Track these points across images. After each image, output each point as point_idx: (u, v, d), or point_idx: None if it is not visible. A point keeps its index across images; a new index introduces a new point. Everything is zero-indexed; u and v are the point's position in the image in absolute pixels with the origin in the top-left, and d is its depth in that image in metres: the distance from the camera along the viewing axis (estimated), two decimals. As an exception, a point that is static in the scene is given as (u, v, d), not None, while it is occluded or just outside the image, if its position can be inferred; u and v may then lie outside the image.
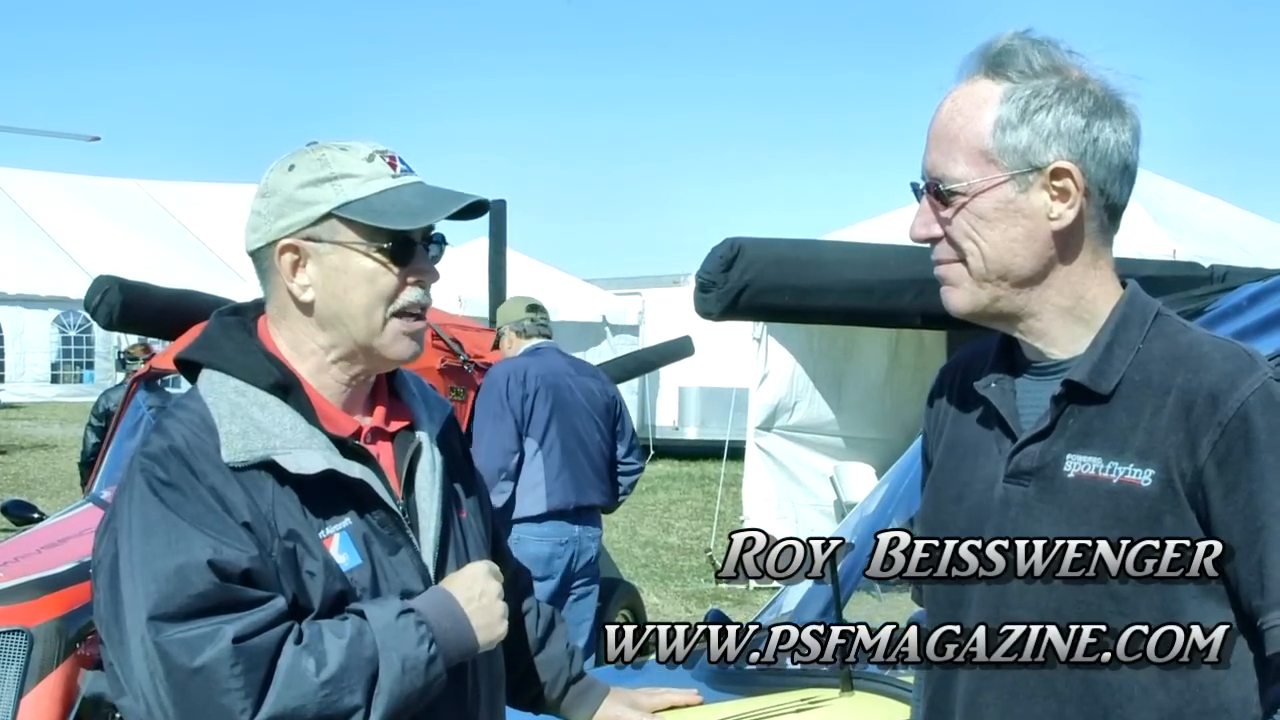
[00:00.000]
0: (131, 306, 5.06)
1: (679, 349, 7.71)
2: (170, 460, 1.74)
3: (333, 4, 65.68)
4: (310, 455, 1.79)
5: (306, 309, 1.86)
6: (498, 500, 5.45)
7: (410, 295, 1.85)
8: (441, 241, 1.91)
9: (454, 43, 69.00)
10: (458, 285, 15.23)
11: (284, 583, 1.73)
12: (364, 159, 1.84)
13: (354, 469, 1.82)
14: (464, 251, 18.55)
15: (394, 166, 1.86)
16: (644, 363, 8.32)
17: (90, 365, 26.48)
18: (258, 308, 1.94)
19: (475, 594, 1.86)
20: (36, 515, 5.80)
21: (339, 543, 1.79)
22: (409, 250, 1.84)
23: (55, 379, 25.93)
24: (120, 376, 9.37)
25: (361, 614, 1.76)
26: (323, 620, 1.75)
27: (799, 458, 10.30)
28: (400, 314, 1.85)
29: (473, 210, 1.87)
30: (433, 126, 70.22)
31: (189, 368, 1.91)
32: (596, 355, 14.63)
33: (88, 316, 5.45)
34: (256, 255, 1.88)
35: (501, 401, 5.63)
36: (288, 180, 1.84)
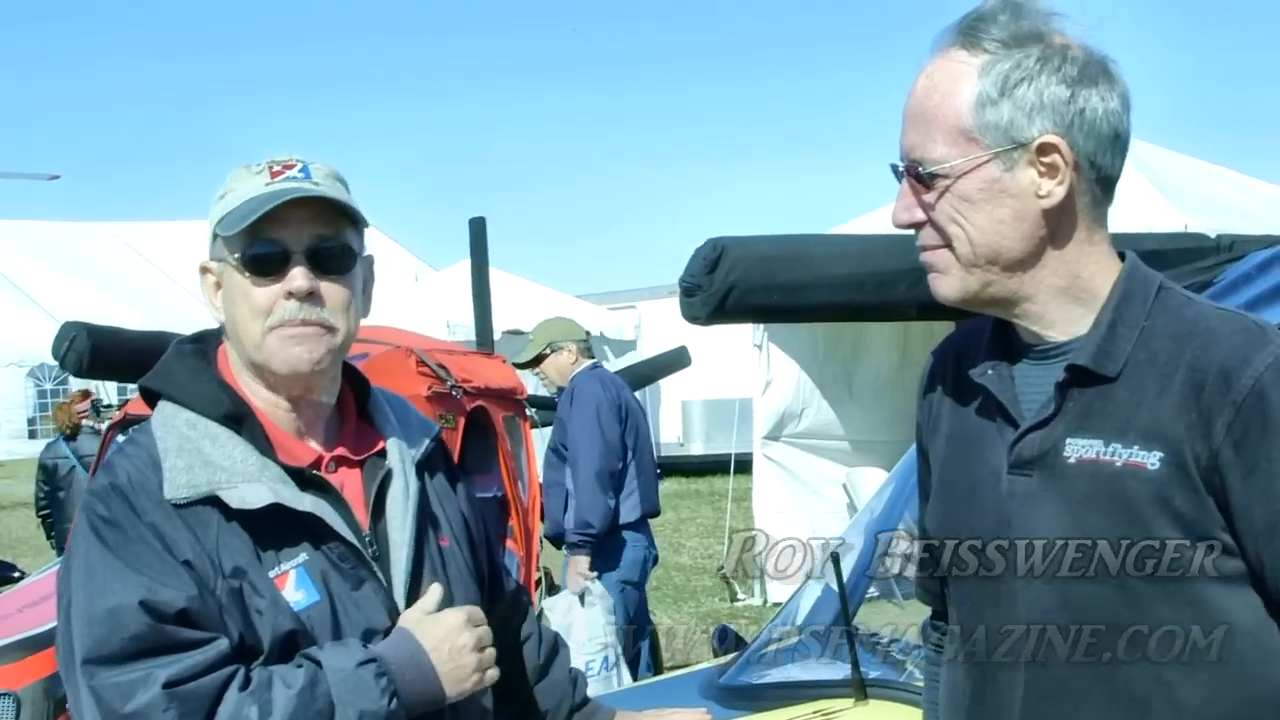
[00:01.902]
0: (101, 351, 5.00)
1: (675, 360, 7.63)
2: (112, 498, 1.73)
3: (306, 28, 65.95)
4: (256, 489, 1.74)
5: (225, 331, 1.87)
6: (607, 507, 5.82)
7: (284, 311, 1.79)
8: (341, 254, 1.82)
9: (432, 63, 69.28)
10: (446, 311, 15.15)
11: (229, 622, 1.70)
12: (255, 171, 1.82)
13: (304, 501, 1.76)
14: (449, 275, 18.51)
15: (276, 175, 1.80)
16: (640, 377, 8.22)
17: (69, 418, 26.21)
18: (220, 336, 1.92)
19: (445, 647, 1.79)
20: (17, 574, 5.76)
21: (295, 579, 1.75)
22: (276, 263, 1.79)
23: (33, 434, 25.66)
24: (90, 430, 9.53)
25: (318, 662, 1.70)
26: (276, 666, 1.70)
27: (810, 465, 10.19)
28: (280, 327, 1.80)
29: (343, 213, 1.81)
30: (413, 148, 70.47)
31: (151, 399, 1.88)
32: (594, 373, 14.51)
33: (60, 367, 5.40)
34: None
35: (612, 410, 6.00)
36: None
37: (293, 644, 1.72)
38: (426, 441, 1.96)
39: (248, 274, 1.79)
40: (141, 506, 1.71)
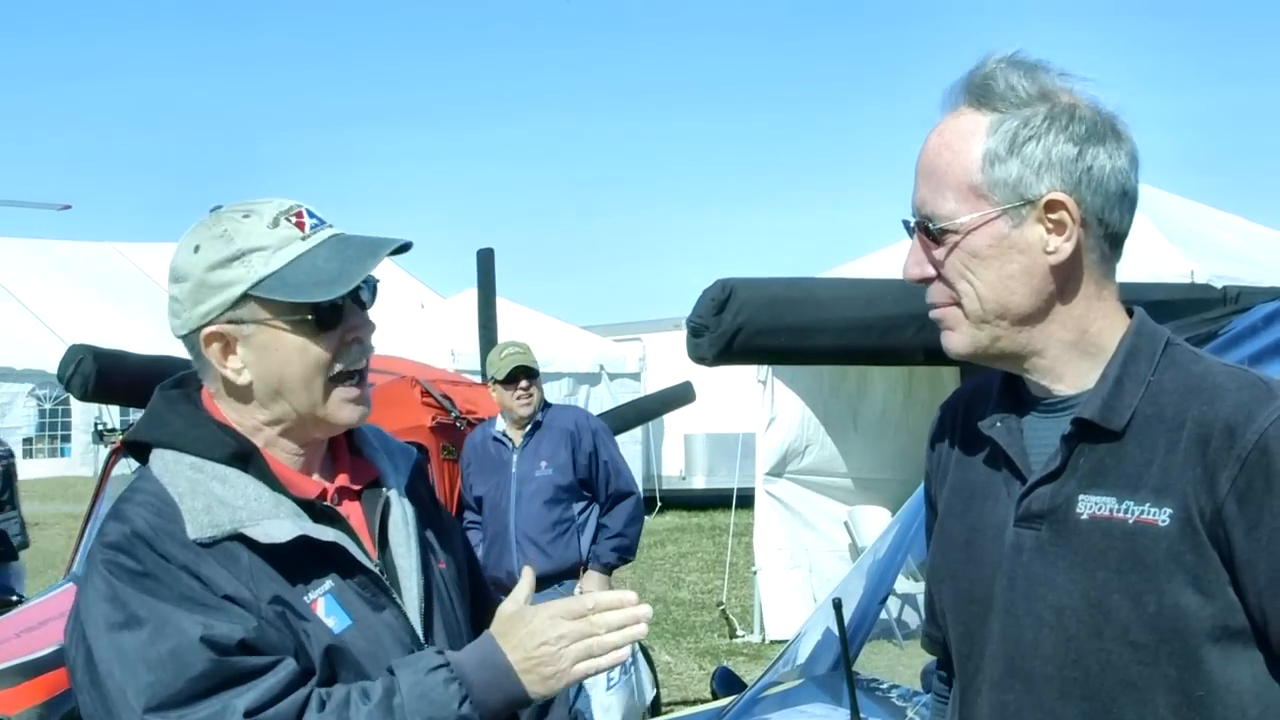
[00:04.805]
0: (107, 375, 5.01)
1: (680, 395, 7.60)
2: (136, 546, 1.69)
3: (314, 53, 65.95)
4: (280, 524, 1.74)
5: (245, 391, 1.81)
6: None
7: (348, 358, 1.81)
8: (372, 284, 1.85)
9: (436, 91, 69.32)
10: (450, 339, 15.18)
11: (284, 644, 1.68)
12: (268, 225, 1.78)
13: (326, 533, 1.77)
14: (455, 303, 18.52)
15: (301, 226, 1.80)
16: (644, 411, 8.21)
17: (68, 439, 26.05)
18: (198, 380, 1.89)
19: (528, 644, 1.73)
20: (16, 598, 5.74)
21: (325, 606, 1.75)
22: (336, 313, 1.79)
23: (28, 453, 25.64)
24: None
25: (392, 672, 1.70)
26: (354, 684, 1.69)
27: (812, 503, 10.16)
28: (341, 377, 1.80)
29: (398, 251, 1.83)
30: (419, 175, 70.37)
31: (139, 449, 1.85)
32: (596, 404, 14.54)
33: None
34: (185, 340, 1.84)
35: None
36: (196, 263, 1.79)
37: (336, 666, 1.71)
38: (410, 467, 1.97)
39: (312, 331, 1.77)
40: (168, 551, 1.68)
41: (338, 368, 1.79)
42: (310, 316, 1.76)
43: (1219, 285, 3.31)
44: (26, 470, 24.55)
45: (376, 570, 1.80)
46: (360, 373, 1.83)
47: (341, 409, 1.80)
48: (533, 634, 1.74)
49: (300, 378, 1.78)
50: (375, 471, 1.91)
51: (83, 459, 24.93)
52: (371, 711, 1.65)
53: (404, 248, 1.82)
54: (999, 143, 1.56)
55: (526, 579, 1.81)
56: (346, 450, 1.92)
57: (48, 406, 25.52)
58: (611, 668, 1.79)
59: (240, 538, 1.71)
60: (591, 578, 5.86)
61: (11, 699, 4.26)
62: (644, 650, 6.76)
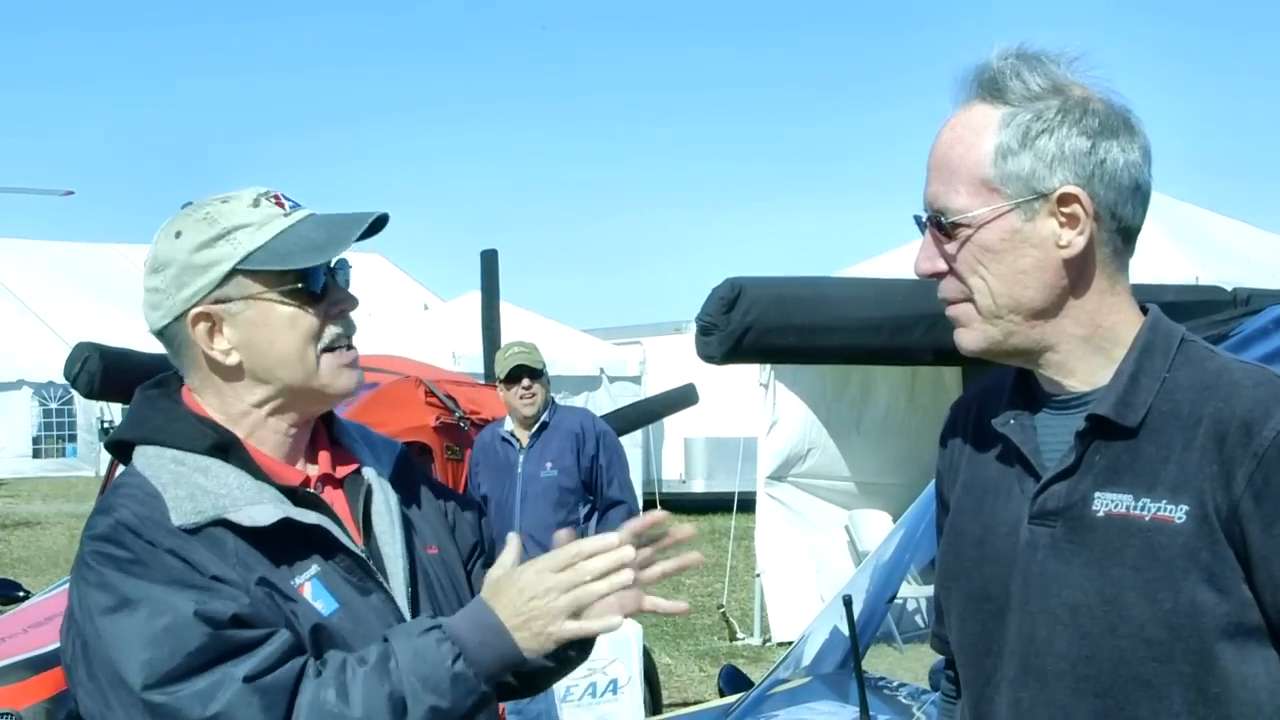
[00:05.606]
0: (112, 373, 5.01)
1: (682, 398, 7.59)
2: (123, 535, 1.70)
3: (306, 58, 65.91)
4: (263, 508, 1.75)
5: (234, 372, 1.82)
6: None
7: (335, 329, 1.84)
8: (345, 266, 1.88)
9: (437, 93, 69.27)
10: (451, 341, 15.18)
11: (276, 621, 1.69)
12: (249, 205, 1.82)
13: (309, 516, 1.78)
14: (457, 305, 18.55)
15: (281, 205, 1.83)
16: (646, 413, 8.20)
17: (73, 439, 26.14)
18: (181, 377, 1.91)
19: (516, 602, 1.71)
20: (22, 594, 5.76)
21: (312, 590, 1.76)
22: (323, 285, 1.82)
23: (36, 454, 25.80)
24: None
25: (386, 639, 1.71)
26: (350, 654, 1.69)
27: (814, 507, 10.14)
28: (330, 349, 1.83)
29: (376, 226, 1.85)
30: (419, 179, 70.32)
31: (122, 449, 1.85)
32: (597, 407, 14.52)
33: (68, 387, 5.41)
34: (164, 333, 1.84)
35: None
36: (178, 247, 1.80)
37: (324, 647, 1.72)
38: (394, 458, 1.98)
39: (301, 301, 1.80)
40: (154, 537, 1.70)
41: (327, 337, 1.82)
42: (300, 285, 1.79)
43: (1228, 288, 3.31)
44: (31, 470, 24.69)
45: (361, 554, 1.81)
46: (348, 342, 1.85)
47: (337, 376, 1.83)
48: (521, 590, 1.72)
49: (293, 349, 1.80)
50: (356, 461, 1.93)
51: (86, 459, 25.01)
52: (368, 674, 1.65)
53: (382, 219, 1.83)
54: (1011, 136, 1.56)
55: (512, 545, 1.79)
56: (327, 441, 1.94)
57: (52, 407, 25.58)
58: (605, 630, 1.75)
59: (225, 523, 1.72)
60: None
61: (19, 694, 4.28)
62: (647, 653, 6.76)
